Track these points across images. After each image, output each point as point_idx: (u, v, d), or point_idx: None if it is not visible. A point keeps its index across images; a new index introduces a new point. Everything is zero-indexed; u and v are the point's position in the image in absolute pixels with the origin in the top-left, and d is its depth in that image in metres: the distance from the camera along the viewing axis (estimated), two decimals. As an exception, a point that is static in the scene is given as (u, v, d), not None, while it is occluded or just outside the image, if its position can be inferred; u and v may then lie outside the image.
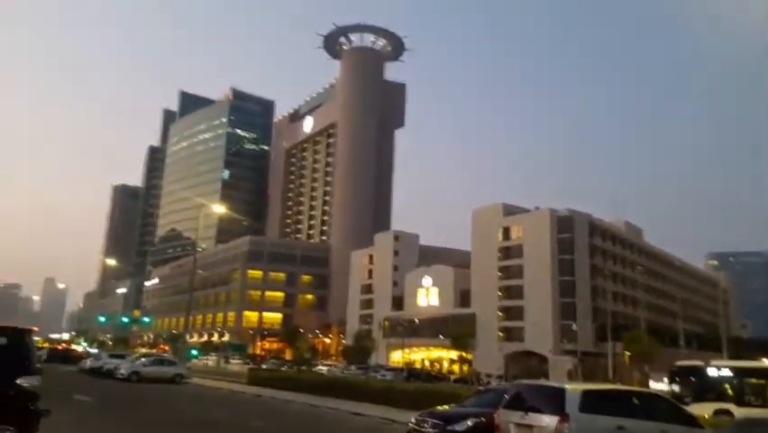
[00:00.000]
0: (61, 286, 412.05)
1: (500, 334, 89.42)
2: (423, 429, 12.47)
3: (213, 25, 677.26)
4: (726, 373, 25.44)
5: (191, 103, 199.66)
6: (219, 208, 79.92)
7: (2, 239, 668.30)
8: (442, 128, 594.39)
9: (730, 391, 21.86)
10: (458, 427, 12.05)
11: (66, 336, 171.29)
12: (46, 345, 79.27)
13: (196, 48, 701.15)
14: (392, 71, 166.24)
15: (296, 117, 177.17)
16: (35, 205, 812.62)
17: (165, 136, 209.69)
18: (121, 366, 36.27)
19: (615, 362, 62.64)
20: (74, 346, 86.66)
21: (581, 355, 73.19)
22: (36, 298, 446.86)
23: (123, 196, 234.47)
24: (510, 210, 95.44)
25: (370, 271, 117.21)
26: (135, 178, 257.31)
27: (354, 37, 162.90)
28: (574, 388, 10.27)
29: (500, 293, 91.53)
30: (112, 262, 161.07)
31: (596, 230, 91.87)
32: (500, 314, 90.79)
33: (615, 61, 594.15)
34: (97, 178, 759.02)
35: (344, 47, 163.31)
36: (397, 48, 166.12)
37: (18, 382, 9.10)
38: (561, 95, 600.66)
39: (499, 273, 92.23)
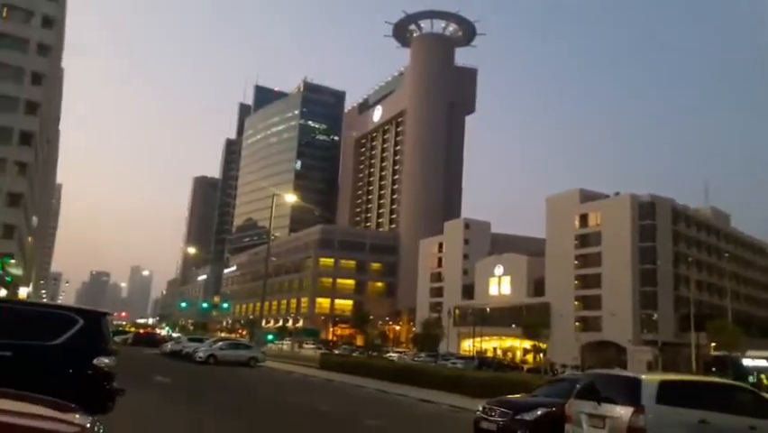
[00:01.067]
0: (146, 273, 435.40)
1: (576, 323, 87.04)
2: (491, 418, 12.12)
3: (284, 19, 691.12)
4: (762, 363, 23.93)
5: (265, 96, 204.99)
6: (291, 198, 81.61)
7: (93, 231, 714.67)
8: (515, 113, 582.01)
9: (766, 381, 20.56)
10: (527, 416, 11.63)
11: (151, 321, 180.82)
12: (132, 329, 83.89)
13: (270, 42, 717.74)
14: (464, 56, 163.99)
15: (365, 107, 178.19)
16: (123, 198, 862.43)
17: (240, 129, 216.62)
18: (199, 350, 37.66)
19: (698, 353, 59.49)
20: (158, 331, 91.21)
21: (662, 346, 70.12)
22: (123, 285, 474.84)
23: (203, 187, 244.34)
24: (588, 196, 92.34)
25: (440, 260, 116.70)
26: (214, 170, 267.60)
27: (424, 24, 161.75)
28: (651, 378, 9.64)
29: (577, 282, 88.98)
30: (192, 250, 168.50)
31: (680, 216, 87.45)
32: (576, 303, 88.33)
33: (701, 40, 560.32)
34: (179, 170, 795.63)
35: (414, 34, 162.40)
36: (468, 33, 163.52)
37: (95, 362, 9.39)
38: (640, 77, 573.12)
39: (576, 261, 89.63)
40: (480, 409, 12.71)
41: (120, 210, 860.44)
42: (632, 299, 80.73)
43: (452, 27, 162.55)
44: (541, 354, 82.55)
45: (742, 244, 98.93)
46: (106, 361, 9.56)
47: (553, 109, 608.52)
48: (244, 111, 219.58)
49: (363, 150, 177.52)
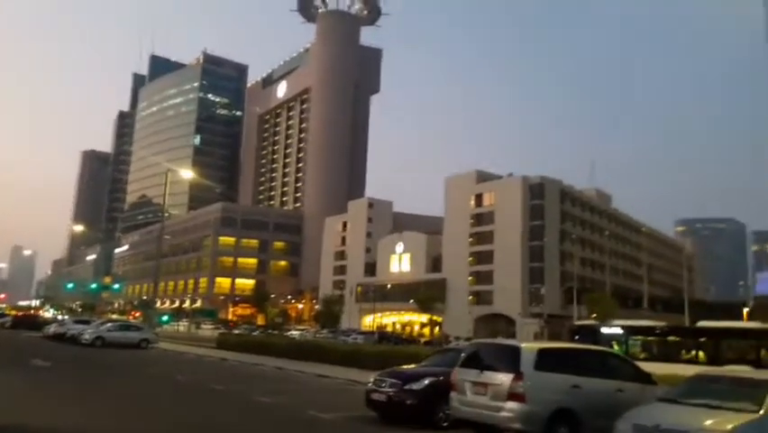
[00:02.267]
0: (28, 253, 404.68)
1: (470, 298, 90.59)
2: (381, 389, 12.39)
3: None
4: (617, 330, 26.96)
5: (162, 67, 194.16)
6: (188, 174, 78.27)
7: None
8: (419, 95, 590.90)
9: (617, 347, 23.25)
10: (415, 385, 11.99)
11: (36, 303, 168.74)
12: (13, 312, 77.94)
13: (168, 10, 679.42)
14: (369, 36, 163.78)
15: (269, 82, 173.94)
16: (3, 171, 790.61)
17: (134, 101, 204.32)
18: (85, 332, 36.00)
19: (578, 324, 63.89)
20: (42, 313, 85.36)
21: (548, 318, 74.63)
22: (2, 265, 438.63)
23: (93, 162, 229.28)
24: (484, 177, 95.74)
25: (344, 238, 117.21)
26: (105, 144, 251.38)
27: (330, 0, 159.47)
28: (530, 346, 10.21)
29: (471, 258, 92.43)
30: (80, 228, 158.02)
31: (566, 196, 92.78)
32: (471, 278, 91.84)
33: (597, 20, 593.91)
34: (66, 144, 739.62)
35: (320, 10, 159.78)
36: (373, 12, 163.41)
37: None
38: (541, 62, 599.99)
39: (470, 239, 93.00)
40: (372, 380, 12.95)
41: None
42: (521, 274, 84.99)
43: (357, 5, 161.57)
44: (437, 328, 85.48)
45: (621, 223, 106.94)
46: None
47: (456, 91, 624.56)
48: (138, 82, 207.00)
49: (267, 126, 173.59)
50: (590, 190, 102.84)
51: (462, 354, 11.24)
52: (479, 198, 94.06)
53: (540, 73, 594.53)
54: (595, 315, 56.96)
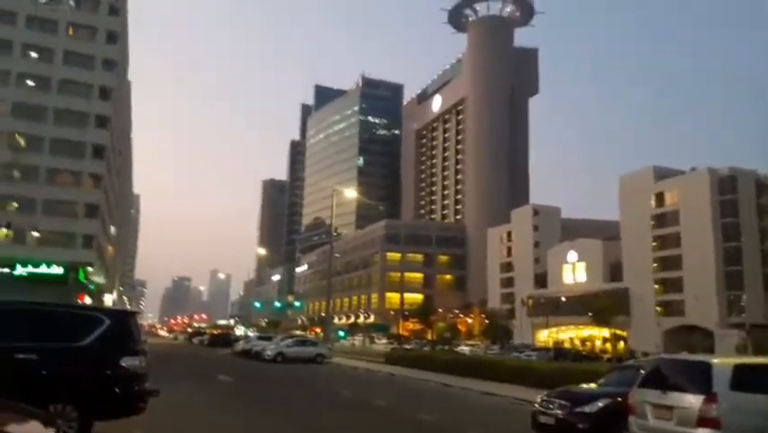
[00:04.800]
0: (222, 276, 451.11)
1: (658, 308, 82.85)
2: (549, 411, 11.17)
3: (339, 17, 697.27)
4: None
5: (325, 95, 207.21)
6: (352, 194, 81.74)
7: (174, 239, 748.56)
8: (580, 92, 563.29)
9: None
10: (587, 408, 10.60)
11: (232, 322, 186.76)
12: (210, 331, 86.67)
13: (327, 41, 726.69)
14: (523, 37, 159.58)
15: (424, 97, 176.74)
16: (199, 204, 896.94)
17: (304, 130, 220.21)
18: (267, 348, 38.22)
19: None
20: (235, 331, 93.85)
21: (751, 328, 65.45)
22: (203, 288, 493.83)
23: (271, 189, 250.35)
24: (662, 174, 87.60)
25: (509, 249, 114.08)
26: (281, 172, 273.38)
27: (480, 7, 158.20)
28: (724, 361, 8.45)
29: (656, 264, 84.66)
30: (263, 251, 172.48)
31: (765, 189, 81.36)
32: (657, 287, 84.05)
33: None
34: (249, 174, 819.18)
35: (470, 18, 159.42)
36: (526, 12, 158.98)
37: (122, 362, 9.18)
38: (712, 47, 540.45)
39: (654, 243, 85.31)
40: (539, 401, 11.78)
41: (196, 216, 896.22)
42: (716, 279, 75.94)
43: (509, 8, 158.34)
44: (621, 343, 79.09)
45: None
46: (134, 361, 9.32)
47: (620, 86, 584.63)
48: (306, 112, 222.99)
49: (424, 141, 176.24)
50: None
51: (642, 372, 9.76)
52: (659, 196, 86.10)
53: (713, 59, 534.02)
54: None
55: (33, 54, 62.58)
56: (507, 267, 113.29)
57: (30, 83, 61.61)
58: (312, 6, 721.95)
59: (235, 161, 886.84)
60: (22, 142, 60.22)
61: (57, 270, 53.80)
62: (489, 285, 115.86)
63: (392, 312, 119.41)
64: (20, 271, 51.95)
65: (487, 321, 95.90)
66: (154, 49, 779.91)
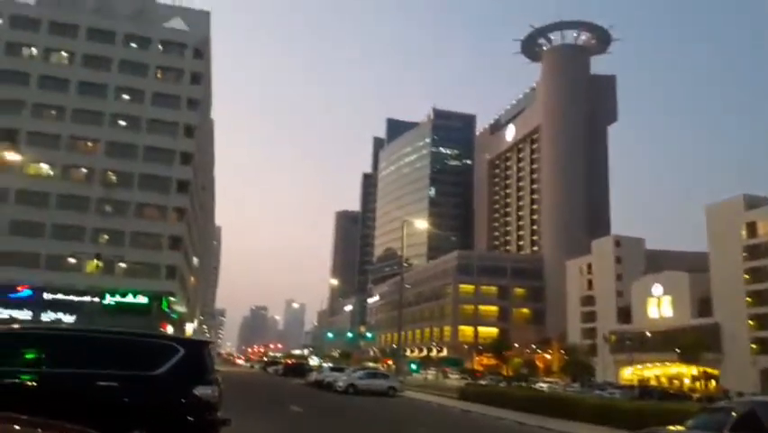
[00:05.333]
0: (296, 306, 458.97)
1: (753, 346, 76.77)
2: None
3: (413, 52, 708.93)
4: None
5: (397, 128, 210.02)
6: (422, 225, 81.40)
7: (253, 269, 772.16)
8: (660, 119, 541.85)
9: None
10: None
11: (306, 351, 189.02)
12: (286, 360, 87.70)
13: (399, 74, 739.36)
14: (600, 64, 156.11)
15: (497, 128, 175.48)
16: (276, 235, 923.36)
17: (376, 163, 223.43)
18: (339, 379, 38.09)
19: None
20: (309, 361, 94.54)
21: None
22: (278, 317, 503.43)
23: (344, 221, 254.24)
24: (754, 203, 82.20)
25: (590, 282, 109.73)
26: (354, 203, 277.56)
27: (554, 36, 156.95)
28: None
29: (749, 299, 78.85)
30: (335, 282, 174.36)
31: None
32: (751, 323, 78.09)
33: None
34: (324, 206, 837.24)
35: (544, 48, 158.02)
36: (602, 39, 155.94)
37: (195, 391, 9.17)
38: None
39: (746, 276, 79.62)
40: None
41: (274, 247, 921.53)
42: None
43: (584, 36, 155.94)
44: (713, 381, 73.67)
45: None
46: (207, 390, 9.31)
47: (702, 111, 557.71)
48: (378, 145, 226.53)
49: (497, 171, 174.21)
50: None
51: (733, 414, 8.81)
52: (751, 226, 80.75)
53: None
54: None
55: (125, 96, 67.09)
56: (588, 301, 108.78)
57: (122, 123, 65.93)
58: (384, 42, 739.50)
59: (311, 193, 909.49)
60: (113, 178, 64.18)
61: (142, 299, 56.35)
62: (568, 319, 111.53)
63: (466, 346, 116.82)
64: (108, 300, 54.74)
65: (566, 357, 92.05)
66: (235, 87, 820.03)
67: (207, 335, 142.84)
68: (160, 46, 69.85)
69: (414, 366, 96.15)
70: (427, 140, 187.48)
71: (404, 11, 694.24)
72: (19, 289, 55.10)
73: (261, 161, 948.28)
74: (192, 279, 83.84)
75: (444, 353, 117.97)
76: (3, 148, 31.86)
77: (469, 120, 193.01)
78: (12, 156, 31.47)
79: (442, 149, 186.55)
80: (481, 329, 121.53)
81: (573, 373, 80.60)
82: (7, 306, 54.32)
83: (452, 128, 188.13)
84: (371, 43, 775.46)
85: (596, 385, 60.74)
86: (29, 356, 8.91)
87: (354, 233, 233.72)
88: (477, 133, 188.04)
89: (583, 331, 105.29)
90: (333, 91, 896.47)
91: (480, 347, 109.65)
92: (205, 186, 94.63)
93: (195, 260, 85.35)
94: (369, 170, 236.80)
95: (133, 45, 68.91)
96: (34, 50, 66.51)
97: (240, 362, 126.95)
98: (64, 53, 67.35)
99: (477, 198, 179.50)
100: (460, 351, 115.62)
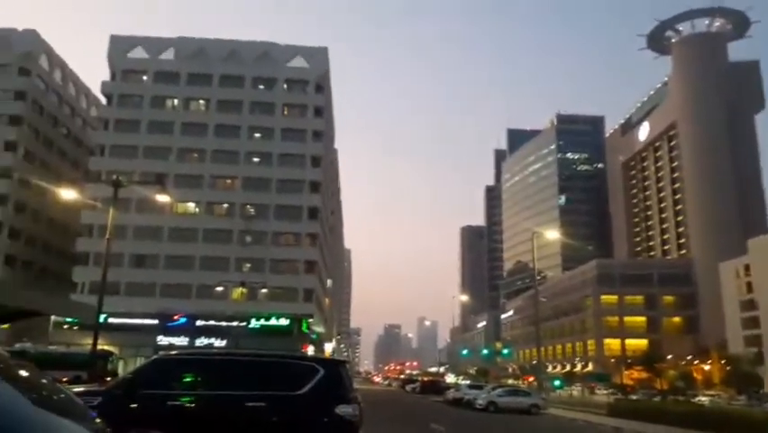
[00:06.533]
0: (428, 323, 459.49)
1: None
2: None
3: (528, 59, 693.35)
4: None
5: (518, 138, 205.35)
6: (553, 235, 78.29)
7: (382, 289, 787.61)
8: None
9: None
10: None
11: (442, 369, 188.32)
12: (421, 378, 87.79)
13: (516, 84, 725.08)
14: (739, 50, 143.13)
15: (628, 127, 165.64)
16: (408, 255, 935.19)
17: (498, 175, 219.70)
18: (479, 397, 37.48)
19: None
20: (445, 379, 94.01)
21: None
22: (411, 335, 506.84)
23: (470, 235, 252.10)
24: None
25: (749, 284, 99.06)
26: (478, 218, 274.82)
27: (683, 26, 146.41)
28: None
29: None
30: (464, 298, 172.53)
31: None
32: None
33: None
34: (447, 222, 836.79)
35: (672, 40, 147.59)
36: (739, 24, 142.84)
37: (337, 410, 9.36)
38: None
39: None
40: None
41: (402, 265, 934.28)
42: None
43: (717, 23, 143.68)
44: None
45: None
46: (348, 409, 9.44)
47: None
48: (500, 156, 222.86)
49: (633, 173, 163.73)
50: None
51: None
52: None
53: None
54: None
55: (257, 134, 71.93)
56: (749, 305, 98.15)
57: (255, 159, 70.67)
58: (498, 53, 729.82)
59: (435, 209, 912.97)
60: (251, 210, 68.77)
61: (283, 322, 59.47)
62: (727, 326, 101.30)
63: (612, 359, 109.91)
64: (253, 323, 58.32)
65: (728, 368, 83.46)
66: (355, 114, 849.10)
67: (345, 354, 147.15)
68: (284, 85, 74.23)
69: (557, 382, 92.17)
70: (552, 146, 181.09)
71: (514, 18, 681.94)
72: (175, 317, 60.53)
73: (384, 182, 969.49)
74: (327, 300, 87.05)
75: (589, 367, 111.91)
76: (156, 191, 35.30)
77: (596, 122, 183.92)
78: (163, 198, 34.74)
79: (569, 154, 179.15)
80: (628, 342, 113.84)
81: (738, 385, 72.92)
82: (167, 333, 59.84)
83: (578, 132, 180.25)
84: (486, 55, 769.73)
85: (765, 398, 54.43)
86: (187, 380, 9.55)
87: (481, 247, 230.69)
88: (606, 135, 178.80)
89: (746, 339, 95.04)
90: (451, 105, 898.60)
91: (629, 361, 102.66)
92: (334, 211, 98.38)
93: (328, 282, 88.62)
94: (491, 182, 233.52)
95: (261, 87, 73.85)
96: (176, 101, 73.45)
97: (377, 380, 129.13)
98: (201, 101, 73.73)
99: (613, 203, 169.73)
100: (606, 365, 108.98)
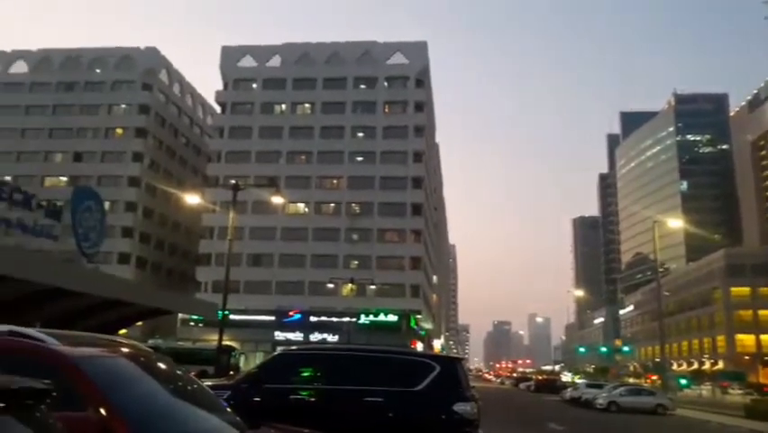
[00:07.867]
0: (540, 320, 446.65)
1: None
2: None
3: (643, 40, 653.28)
4: None
5: (632, 121, 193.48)
6: (676, 223, 72.93)
7: (490, 284, 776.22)
8: None
9: None
10: None
11: (557, 367, 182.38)
12: (536, 376, 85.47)
13: (628, 67, 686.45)
14: None
15: (755, 104, 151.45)
16: (514, 249, 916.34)
17: (612, 161, 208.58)
18: (599, 396, 36.04)
19: None
20: (560, 377, 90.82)
21: None
22: (522, 332, 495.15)
23: (582, 227, 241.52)
24: None
25: None
26: (591, 208, 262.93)
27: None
28: None
29: None
30: (579, 293, 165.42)
31: None
32: None
33: None
34: (556, 214, 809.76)
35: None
36: None
37: (454, 408, 9.17)
38: None
39: None
40: None
41: (509, 260, 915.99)
42: None
43: None
44: None
45: None
46: (466, 407, 9.22)
47: None
48: (613, 142, 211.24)
49: (764, 153, 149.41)
50: None
51: None
52: None
53: None
54: None
55: (360, 134, 73.15)
56: None
57: (359, 158, 71.89)
58: (607, 34, 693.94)
59: (542, 201, 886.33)
60: (357, 208, 70.06)
61: (392, 317, 60.01)
62: None
63: (746, 357, 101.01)
64: (363, 319, 59.34)
65: None
66: (456, 108, 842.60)
67: (454, 350, 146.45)
68: (385, 83, 74.88)
69: (683, 381, 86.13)
70: (671, 128, 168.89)
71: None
72: (291, 313, 62.98)
73: (486, 176, 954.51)
74: (434, 296, 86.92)
75: (720, 365, 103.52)
76: (271, 193, 36.84)
77: (720, 100, 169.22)
78: (277, 200, 36.18)
79: (689, 136, 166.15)
80: (765, 337, 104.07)
81: None
82: (283, 329, 62.40)
83: (699, 112, 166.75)
84: (595, 36, 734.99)
85: None
86: (308, 374, 9.71)
87: (596, 239, 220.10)
88: (732, 114, 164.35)
89: None
90: (559, 91, 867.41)
91: (766, 358, 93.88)
92: (437, 206, 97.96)
93: (434, 278, 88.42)
94: (605, 170, 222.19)
95: (362, 86, 74.98)
96: (283, 106, 76.32)
97: (489, 377, 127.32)
98: (307, 104, 76.11)
99: (741, 187, 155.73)
100: (739, 363, 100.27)
